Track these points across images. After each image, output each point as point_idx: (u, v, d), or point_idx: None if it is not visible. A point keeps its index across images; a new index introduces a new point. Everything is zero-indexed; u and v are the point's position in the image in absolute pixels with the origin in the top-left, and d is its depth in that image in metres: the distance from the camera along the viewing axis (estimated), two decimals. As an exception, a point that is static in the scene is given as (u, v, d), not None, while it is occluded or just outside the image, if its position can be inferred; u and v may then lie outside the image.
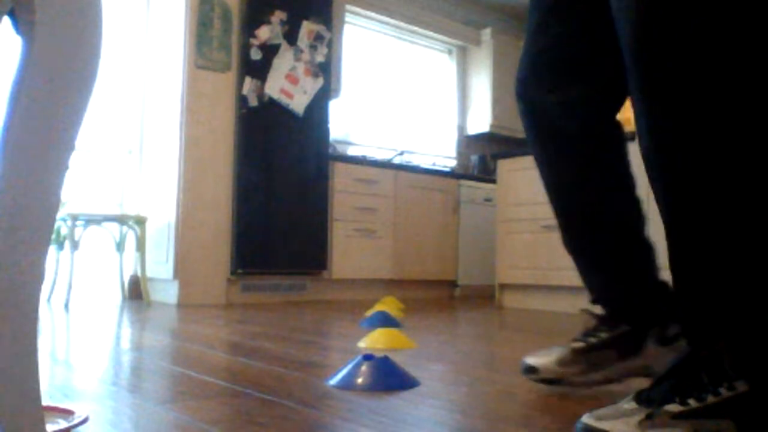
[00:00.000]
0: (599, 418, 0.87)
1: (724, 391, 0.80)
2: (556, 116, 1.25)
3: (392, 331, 2.08)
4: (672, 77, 0.88)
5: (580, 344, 1.30)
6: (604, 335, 1.29)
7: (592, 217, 1.28)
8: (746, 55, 0.85)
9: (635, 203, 1.28)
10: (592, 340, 1.30)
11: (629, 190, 1.28)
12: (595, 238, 1.29)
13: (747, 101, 0.86)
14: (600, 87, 1.23)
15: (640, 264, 1.29)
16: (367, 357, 1.40)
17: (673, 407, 0.83)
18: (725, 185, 0.87)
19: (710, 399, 0.80)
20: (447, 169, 5.51)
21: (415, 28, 5.64)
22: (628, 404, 0.88)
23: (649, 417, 0.83)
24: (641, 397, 0.88)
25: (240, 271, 3.89)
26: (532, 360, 1.33)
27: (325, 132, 4.29)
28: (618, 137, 1.29)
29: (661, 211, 0.95)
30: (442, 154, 5.83)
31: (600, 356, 1.28)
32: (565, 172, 1.29)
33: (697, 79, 0.87)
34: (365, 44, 5.40)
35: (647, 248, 1.28)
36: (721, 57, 0.86)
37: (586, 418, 0.88)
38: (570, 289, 3.79)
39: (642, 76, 0.92)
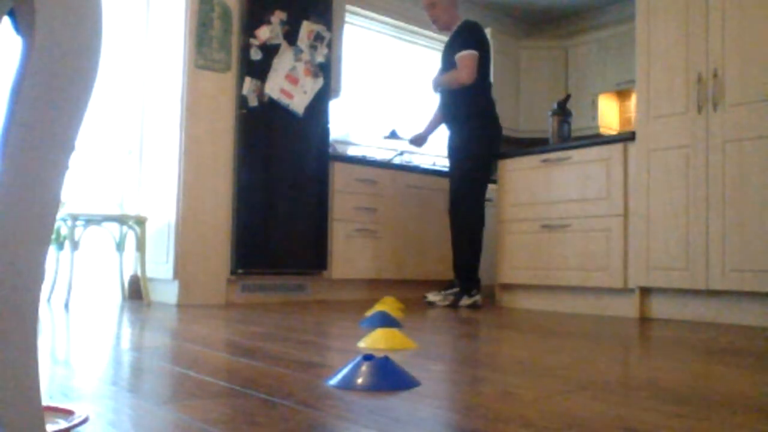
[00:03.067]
0: (431, 296, 4.07)
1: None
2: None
3: (392, 331, 2.08)
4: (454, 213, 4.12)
5: (441, 289, 4.11)
6: (449, 290, 4.10)
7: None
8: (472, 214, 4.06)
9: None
10: (447, 289, 4.10)
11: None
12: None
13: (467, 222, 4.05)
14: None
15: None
16: (367, 357, 1.40)
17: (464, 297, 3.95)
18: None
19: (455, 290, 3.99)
20: (447, 169, 5.49)
21: (415, 28, 5.64)
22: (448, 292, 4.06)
23: (454, 294, 4.00)
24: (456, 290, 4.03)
25: (240, 271, 3.89)
26: (429, 294, 4.17)
27: (325, 132, 4.29)
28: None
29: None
30: (442, 154, 5.81)
31: (447, 295, 4.07)
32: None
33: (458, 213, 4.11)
34: (365, 44, 5.40)
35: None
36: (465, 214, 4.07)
37: (429, 296, 4.08)
38: (570, 289, 3.79)
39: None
